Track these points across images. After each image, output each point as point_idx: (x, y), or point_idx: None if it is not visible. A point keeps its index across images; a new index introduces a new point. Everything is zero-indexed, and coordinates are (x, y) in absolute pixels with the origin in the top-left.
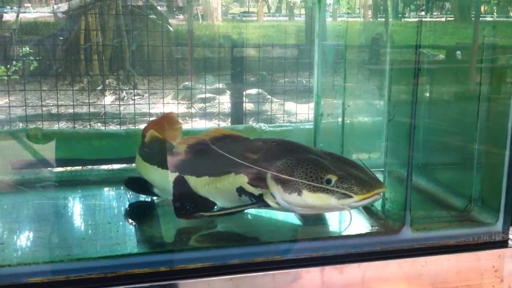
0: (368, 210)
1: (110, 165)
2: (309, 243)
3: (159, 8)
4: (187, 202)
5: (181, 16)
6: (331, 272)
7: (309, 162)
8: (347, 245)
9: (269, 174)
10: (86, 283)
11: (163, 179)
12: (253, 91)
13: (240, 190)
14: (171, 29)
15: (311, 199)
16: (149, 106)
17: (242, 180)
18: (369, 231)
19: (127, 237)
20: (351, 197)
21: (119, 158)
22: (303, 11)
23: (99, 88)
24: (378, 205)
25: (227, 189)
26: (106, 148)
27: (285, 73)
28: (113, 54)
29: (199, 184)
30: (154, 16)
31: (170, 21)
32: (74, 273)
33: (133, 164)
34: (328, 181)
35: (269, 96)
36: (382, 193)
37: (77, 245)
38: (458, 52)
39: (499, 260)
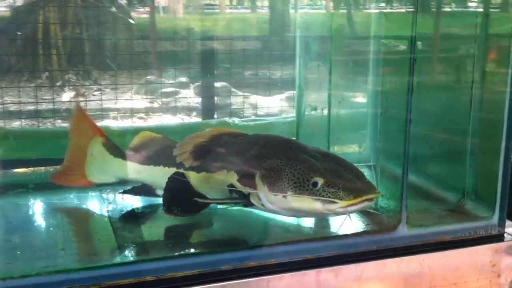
0: None
1: None
2: (303, 245)
3: (119, 1)
4: (180, 198)
5: (141, 9)
6: (328, 274)
7: (298, 162)
8: (343, 245)
9: (258, 174)
10: None
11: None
12: (217, 84)
13: (231, 188)
14: (132, 22)
15: (296, 202)
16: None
17: (232, 177)
18: (364, 229)
19: (110, 246)
20: (336, 202)
21: None
22: (265, 2)
23: (59, 84)
24: None
25: (219, 186)
26: None
27: (250, 65)
28: (73, 48)
29: (198, 180)
30: (115, 9)
31: (132, 14)
32: (53, 287)
33: None
34: (314, 184)
35: (233, 89)
36: (374, 199)
37: (55, 256)
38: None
39: (496, 255)
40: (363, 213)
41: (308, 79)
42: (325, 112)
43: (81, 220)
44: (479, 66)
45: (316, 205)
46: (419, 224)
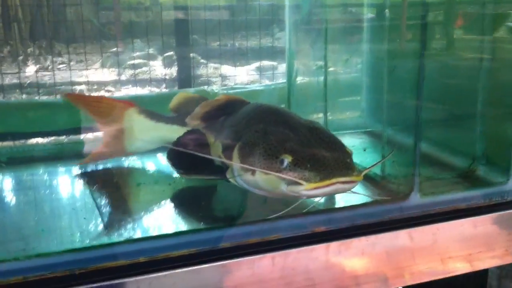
0: (367, 175)
1: (57, 138)
2: (310, 218)
3: None
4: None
5: None
6: (337, 248)
7: (274, 137)
8: (352, 216)
9: (237, 146)
10: (49, 284)
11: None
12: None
13: (220, 159)
14: None
15: (262, 181)
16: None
17: (218, 148)
18: (373, 199)
19: (96, 225)
20: (300, 184)
21: (60, 130)
22: None
23: (21, 57)
24: (377, 169)
25: (214, 156)
26: (43, 119)
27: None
28: (34, 19)
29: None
30: None
31: None
32: (34, 272)
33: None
34: (282, 162)
35: (203, 60)
36: (352, 183)
37: (35, 237)
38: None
39: None
40: (371, 182)
41: (300, 45)
42: (318, 78)
43: (62, 196)
44: (489, 27)
45: (281, 185)
46: (431, 192)
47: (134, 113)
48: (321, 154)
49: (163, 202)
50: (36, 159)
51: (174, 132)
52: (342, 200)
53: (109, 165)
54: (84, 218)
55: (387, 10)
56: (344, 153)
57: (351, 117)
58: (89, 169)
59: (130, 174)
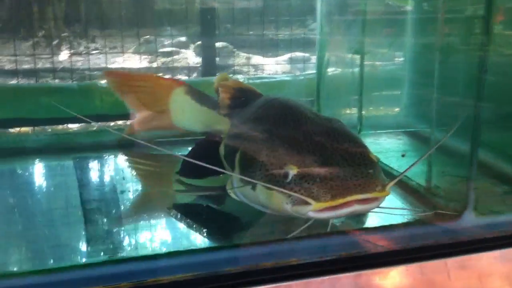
0: (407, 187)
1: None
2: (334, 239)
3: None
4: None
5: None
6: (370, 278)
7: (279, 142)
8: (389, 239)
9: (238, 152)
10: None
11: None
12: (218, 44)
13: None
14: None
15: (263, 197)
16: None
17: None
18: (416, 217)
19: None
20: (307, 203)
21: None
22: None
23: (55, 41)
24: (420, 179)
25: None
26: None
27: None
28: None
29: None
30: None
31: None
32: None
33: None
34: (285, 176)
35: (234, 49)
36: (375, 201)
37: None
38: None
39: None
40: (414, 194)
41: (333, 35)
42: (352, 69)
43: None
44: None
45: (285, 204)
46: (490, 210)
47: (181, 93)
48: (336, 164)
49: (157, 213)
50: (27, 151)
51: (215, 120)
52: (375, 217)
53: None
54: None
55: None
56: (366, 162)
57: (389, 114)
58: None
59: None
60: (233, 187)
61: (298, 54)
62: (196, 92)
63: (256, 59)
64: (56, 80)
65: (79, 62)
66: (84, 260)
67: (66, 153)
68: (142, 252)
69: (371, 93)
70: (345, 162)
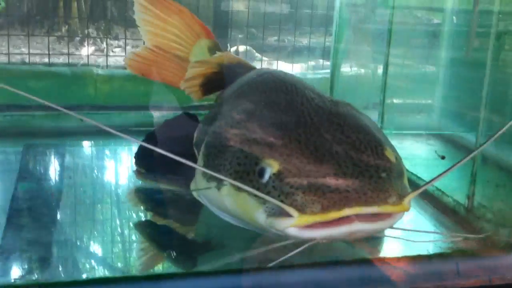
0: (441, 204)
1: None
2: (333, 271)
3: None
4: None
5: None
6: None
7: (258, 128)
8: (411, 274)
9: (205, 141)
10: None
11: None
12: (241, 48)
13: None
14: None
15: (231, 201)
16: None
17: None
18: (455, 248)
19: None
20: (288, 215)
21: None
22: None
23: (79, 37)
24: (459, 195)
25: None
26: (46, 90)
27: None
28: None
29: None
30: None
31: None
32: None
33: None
34: (261, 173)
35: (257, 54)
36: (386, 219)
37: None
38: None
39: None
40: (451, 215)
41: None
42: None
43: None
44: None
45: (258, 213)
46: None
47: (204, 47)
48: (335, 162)
49: None
50: None
51: None
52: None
53: None
54: None
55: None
56: (379, 161)
57: (417, 114)
58: None
59: None
60: (197, 186)
61: (321, 61)
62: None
63: (281, 64)
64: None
65: (100, 58)
66: None
67: (21, 138)
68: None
69: (393, 93)
70: (349, 160)
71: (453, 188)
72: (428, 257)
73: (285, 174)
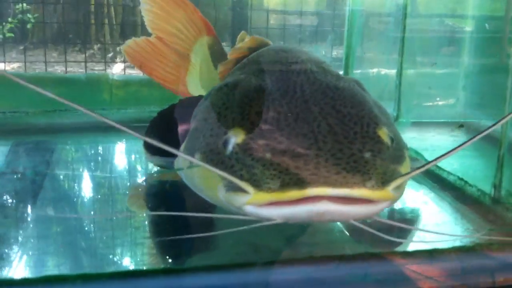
0: (463, 195)
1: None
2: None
3: None
4: None
5: None
6: None
7: (238, 97)
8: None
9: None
10: None
11: None
12: None
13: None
14: None
15: (197, 177)
16: None
17: None
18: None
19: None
20: (245, 191)
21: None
22: None
23: (110, 55)
24: (485, 185)
25: None
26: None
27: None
28: (125, 17)
29: None
30: None
31: None
32: None
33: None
34: (225, 144)
35: None
36: (364, 204)
37: None
38: None
39: None
40: (474, 207)
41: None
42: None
43: None
44: None
45: (219, 187)
46: None
47: (204, 45)
48: (312, 136)
49: None
50: None
51: None
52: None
53: None
54: None
55: None
56: (366, 139)
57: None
58: None
59: None
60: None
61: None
62: (220, 51)
63: None
64: None
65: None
66: None
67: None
68: None
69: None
70: (331, 135)
71: (478, 178)
72: (447, 251)
73: (250, 145)
